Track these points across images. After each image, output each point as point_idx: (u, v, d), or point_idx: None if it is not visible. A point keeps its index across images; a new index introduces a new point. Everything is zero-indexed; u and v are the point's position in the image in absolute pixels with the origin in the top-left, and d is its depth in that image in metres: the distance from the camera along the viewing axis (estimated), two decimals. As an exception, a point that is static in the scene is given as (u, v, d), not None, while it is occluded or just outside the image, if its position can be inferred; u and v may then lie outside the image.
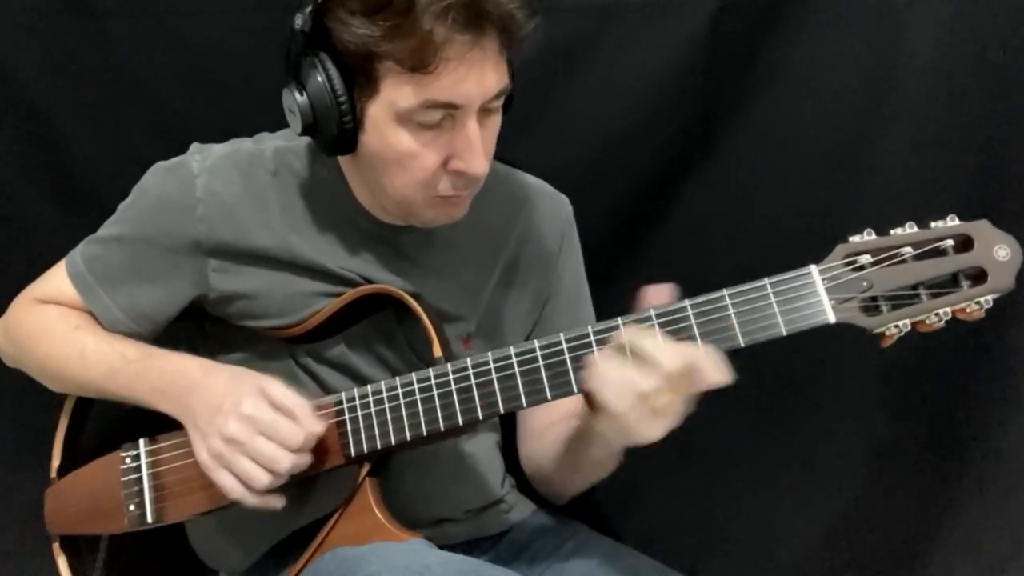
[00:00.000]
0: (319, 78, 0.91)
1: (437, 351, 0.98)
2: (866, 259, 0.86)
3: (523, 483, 1.20)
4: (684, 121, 1.34)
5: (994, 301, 0.85)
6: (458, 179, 0.96)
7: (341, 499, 0.99)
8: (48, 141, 1.33)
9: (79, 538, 1.08)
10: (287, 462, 0.92)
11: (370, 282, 1.04)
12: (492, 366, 0.93)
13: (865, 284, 0.86)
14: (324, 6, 0.90)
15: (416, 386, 0.95)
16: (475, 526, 1.14)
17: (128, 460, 1.03)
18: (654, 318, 0.88)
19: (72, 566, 1.07)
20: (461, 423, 0.94)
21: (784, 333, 0.86)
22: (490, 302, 1.12)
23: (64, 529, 1.08)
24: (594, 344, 0.90)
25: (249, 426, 0.92)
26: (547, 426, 1.12)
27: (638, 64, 1.31)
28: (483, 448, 1.15)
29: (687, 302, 0.88)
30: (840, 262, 0.87)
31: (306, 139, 1.02)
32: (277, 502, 0.96)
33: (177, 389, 0.97)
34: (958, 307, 0.86)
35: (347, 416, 0.98)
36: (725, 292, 0.88)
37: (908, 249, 0.86)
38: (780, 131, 1.33)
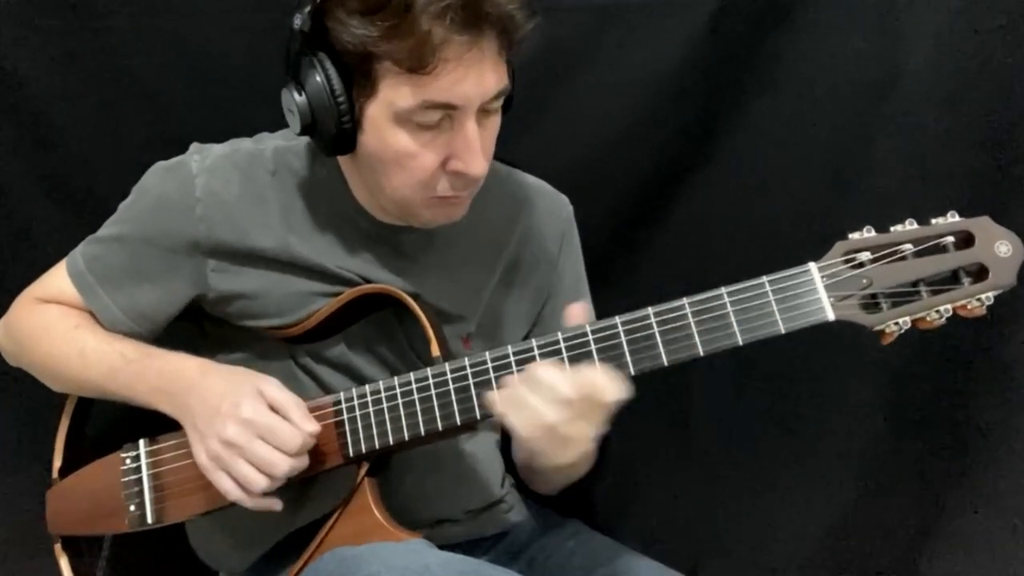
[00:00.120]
0: (318, 78, 0.91)
1: (435, 351, 0.98)
2: (866, 256, 0.86)
3: (522, 482, 1.20)
4: (684, 121, 1.34)
5: (995, 298, 0.85)
6: (457, 180, 0.95)
7: (340, 499, 0.99)
8: (48, 141, 1.33)
9: (80, 539, 1.09)
10: (285, 466, 0.92)
11: (369, 282, 1.04)
12: (490, 365, 0.93)
13: (865, 281, 0.86)
14: (323, 6, 0.90)
15: (414, 386, 0.95)
16: (475, 526, 1.13)
17: (128, 461, 1.04)
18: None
19: (74, 566, 1.07)
20: (459, 423, 0.94)
21: (783, 331, 0.86)
22: (490, 302, 1.11)
23: (65, 530, 1.08)
24: (593, 344, 0.90)
25: (247, 430, 0.92)
26: None
27: (638, 64, 1.31)
28: (483, 448, 1.15)
29: (684, 300, 0.88)
30: (839, 259, 0.86)
31: (305, 139, 1.02)
32: (275, 504, 0.96)
33: (176, 389, 0.98)
34: (959, 304, 0.85)
35: (345, 416, 0.98)
36: (723, 290, 0.87)
37: (908, 246, 0.86)
38: (780, 131, 1.32)
